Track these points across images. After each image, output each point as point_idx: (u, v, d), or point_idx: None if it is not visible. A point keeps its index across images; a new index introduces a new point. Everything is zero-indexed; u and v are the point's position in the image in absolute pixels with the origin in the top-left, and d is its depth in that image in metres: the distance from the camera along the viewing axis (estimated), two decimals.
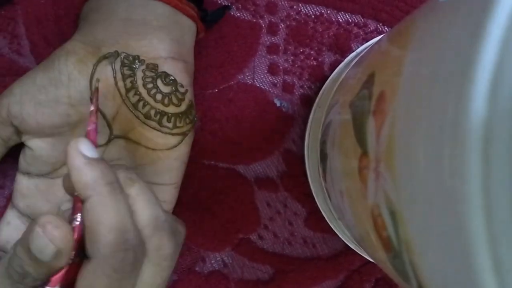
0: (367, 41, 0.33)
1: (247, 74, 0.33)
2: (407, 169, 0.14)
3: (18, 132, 0.27)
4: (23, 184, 0.28)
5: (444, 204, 0.12)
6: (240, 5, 0.33)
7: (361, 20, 0.34)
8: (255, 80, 0.34)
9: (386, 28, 0.34)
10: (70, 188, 0.22)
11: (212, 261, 0.33)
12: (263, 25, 0.33)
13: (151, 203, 0.22)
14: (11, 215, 0.28)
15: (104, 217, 0.20)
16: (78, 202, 0.21)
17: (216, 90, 0.33)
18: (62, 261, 0.20)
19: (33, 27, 0.33)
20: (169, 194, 0.29)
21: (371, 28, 0.34)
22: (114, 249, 0.20)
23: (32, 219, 0.28)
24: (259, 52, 0.33)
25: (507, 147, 0.10)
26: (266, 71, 0.34)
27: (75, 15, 0.32)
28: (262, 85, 0.34)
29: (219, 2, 0.33)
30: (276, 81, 0.34)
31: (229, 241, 0.33)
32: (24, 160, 0.28)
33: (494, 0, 0.11)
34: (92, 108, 0.24)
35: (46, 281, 0.20)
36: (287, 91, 0.34)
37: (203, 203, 0.33)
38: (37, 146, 0.27)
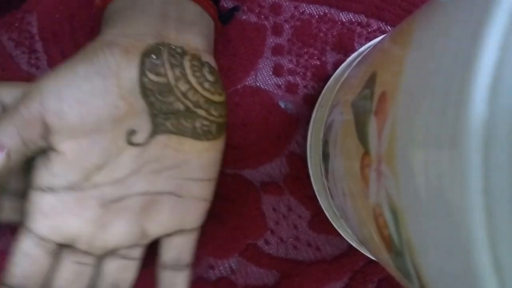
0: (370, 41, 0.33)
1: (253, 76, 0.34)
2: (408, 168, 0.14)
3: (46, 133, 0.24)
4: (45, 202, 0.24)
5: (444, 204, 0.12)
6: (245, 8, 0.33)
7: (364, 19, 0.33)
8: (260, 82, 0.34)
9: (389, 27, 0.34)
10: None
11: (220, 268, 0.34)
12: (268, 26, 0.33)
13: None
14: (28, 245, 0.24)
15: None
16: None
17: None
18: None
19: (49, 41, 0.34)
20: (210, 191, 0.29)
21: (374, 28, 0.34)
22: None
23: (55, 244, 0.25)
24: (265, 54, 0.34)
25: (507, 147, 0.10)
26: (271, 73, 0.34)
27: (90, 28, 0.32)
28: (267, 87, 0.34)
29: (226, 6, 0.33)
30: (280, 82, 0.34)
31: (237, 247, 0.34)
32: (47, 171, 0.25)
33: (495, 0, 0.11)
34: None
35: None
36: (291, 92, 0.34)
37: (210, 211, 0.33)
38: (70, 148, 0.24)
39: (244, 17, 0.33)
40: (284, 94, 0.34)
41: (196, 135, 0.28)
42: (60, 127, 0.24)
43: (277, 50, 0.33)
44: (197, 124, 0.28)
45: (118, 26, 0.27)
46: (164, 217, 0.28)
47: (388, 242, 0.17)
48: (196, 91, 0.27)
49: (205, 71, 0.28)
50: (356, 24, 0.33)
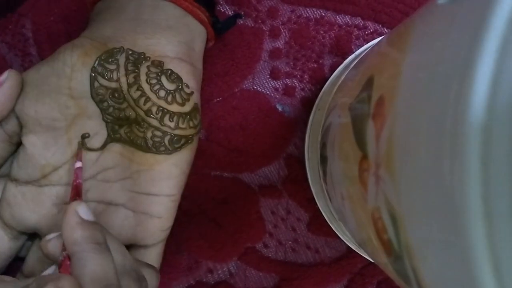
0: (367, 43, 0.33)
1: (250, 80, 0.33)
2: (407, 173, 0.14)
3: (21, 126, 0.26)
4: (11, 192, 0.26)
5: (444, 208, 0.12)
6: (242, 12, 0.33)
7: (361, 22, 0.34)
8: (257, 86, 0.34)
9: (386, 30, 0.34)
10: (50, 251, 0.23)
11: (219, 272, 0.33)
12: (266, 30, 0.33)
13: (120, 252, 0.24)
14: None
15: (86, 270, 0.21)
16: (66, 260, 0.23)
17: (221, 99, 0.33)
18: None
19: (44, 44, 0.33)
20: (165, 208, 0.27)
21: (371, 30, 0.34)
22: None
23: (16, 231, 0.27)
24: (262, 57, 0.33)
25: (507, 151, 0.10)
26: (268, 76, 0.34)
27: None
28: (265, 90, 0.34)
29: (222, 11, 0.33)
30: (278, 86, 0.34)
31: (236, 251, 0.33)
32: (15, 163, 0.27)
33: (493, 2, 0.11)
34: (79, 165, 0.25)
35: None
36: (288, 95, 0.34)
37: (209, 215, 0.33)
38: (30, 143, 0.26)
39: (241, 21, 0.33)
40: (281, 97, 0.34)
41: (145, 147, 0.27)
42: (22, 119, 0.26)
43: (274, 54, 0.33)
44: (148, 135, 0.26)
45: (92, 28, 0.27)
46: (112, 230, 0.27)
47: (387, 246, 0.17)
48: (148, 98, 0.26)
49: (164, 79, 0.26)
50: (353, 26, 0.33)
